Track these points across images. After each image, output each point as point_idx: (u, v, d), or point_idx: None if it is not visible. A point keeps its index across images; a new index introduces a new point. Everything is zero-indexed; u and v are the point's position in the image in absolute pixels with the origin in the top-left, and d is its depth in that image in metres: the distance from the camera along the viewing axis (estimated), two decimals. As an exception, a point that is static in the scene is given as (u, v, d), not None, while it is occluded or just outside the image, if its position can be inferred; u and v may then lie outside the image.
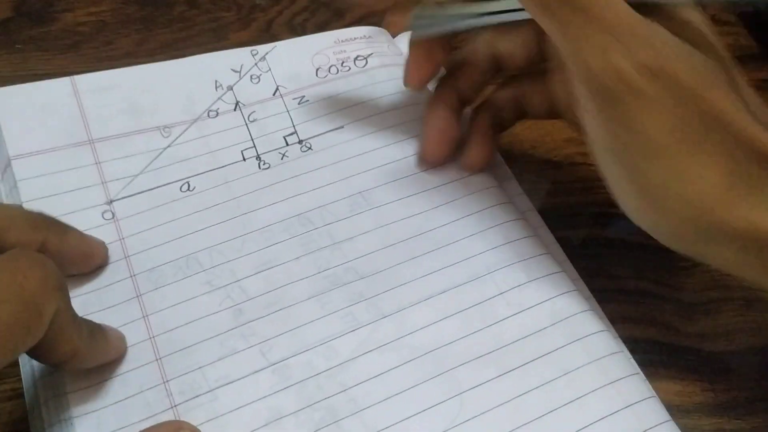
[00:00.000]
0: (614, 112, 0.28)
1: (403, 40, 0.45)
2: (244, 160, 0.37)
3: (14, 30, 0.45)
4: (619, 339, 0.34)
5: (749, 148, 0.28)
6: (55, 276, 0.25)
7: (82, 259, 0.32)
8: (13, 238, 0.28)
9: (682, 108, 0.28)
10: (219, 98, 0.39)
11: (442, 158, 0.37)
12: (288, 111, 0.39)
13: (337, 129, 0.39)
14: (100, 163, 0.36)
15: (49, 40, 0.45)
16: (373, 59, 0.42)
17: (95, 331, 0.29)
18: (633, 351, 0.35)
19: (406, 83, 0.38)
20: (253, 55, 0.41)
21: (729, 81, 0.29)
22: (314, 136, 0.39)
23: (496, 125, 0.38)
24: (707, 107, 0.28)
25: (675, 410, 0.33)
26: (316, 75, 0.41)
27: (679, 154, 0.28)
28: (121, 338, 0.30)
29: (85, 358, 0.28)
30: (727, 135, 0.28)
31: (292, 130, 0.39)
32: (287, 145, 0.38)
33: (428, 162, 0.38)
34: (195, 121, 0.38)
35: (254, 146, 0.38)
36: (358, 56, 0.42)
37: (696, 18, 0.31)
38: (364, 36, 0.43)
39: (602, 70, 0.28)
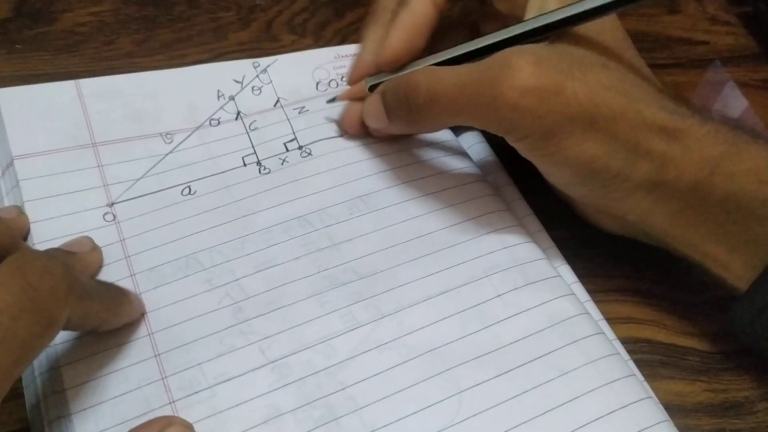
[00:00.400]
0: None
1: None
2: (245, 165, 0.38)
3: (14, 30, 0.45)
4: (617, 341, 0.34)
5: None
6: (64, 280, 0.25)
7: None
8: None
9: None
10: (221, 107, 0.40)
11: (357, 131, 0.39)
12: (288, 119, 0.40)
13: (336, 137, 0.39)
14: (102, 166, 0.36)
15: (49, 40, 0.45)
16: None
17: (119, 296, 0.30)
18: (633, 351, 0.35)
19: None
20: (254, 67, 0.41)
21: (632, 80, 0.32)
22: (314, 142, 0.39)
23: None
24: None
25: (675, 410, 0.33)
26: (317, 89, 0.41)
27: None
28: (139, 300, 0.31)
29: (111, 323, 0.29)
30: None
31: (293, 136, 0.39)
32: (287, 150, 0.38)
33: (347, 132, 0.39)
34: (197, 128, 0.39)
35: (255, 152, 0.38)
36: None
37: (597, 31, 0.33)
38: None
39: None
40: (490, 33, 0.36)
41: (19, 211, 0.33)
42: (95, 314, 0.28)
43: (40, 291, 0.24)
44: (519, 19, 0.35)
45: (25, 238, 0.33)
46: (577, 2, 0.32)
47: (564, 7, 0.32)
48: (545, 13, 0.33)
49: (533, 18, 0.33)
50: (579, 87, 0.31)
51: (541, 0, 0.33)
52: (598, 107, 0.31)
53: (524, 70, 0.30)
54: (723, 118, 0.33)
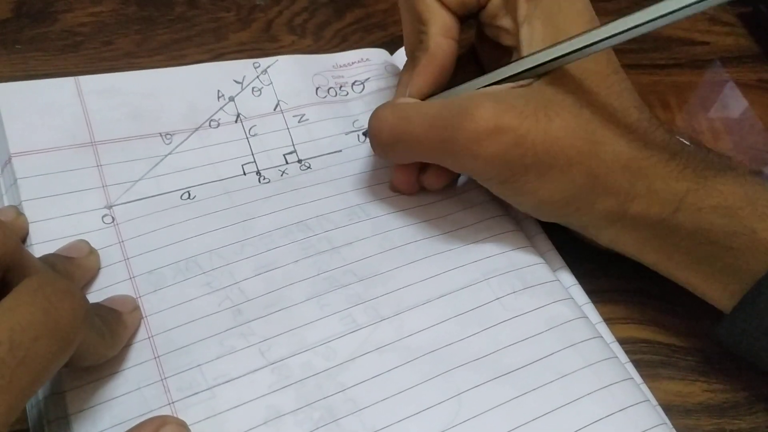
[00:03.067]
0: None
1: (401, 57, 0.45)
2: (245, 174, 0.38)
3: (14, 30, 0.45)
4: (616, 344, 0.35)
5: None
6: (82, 305, 0.25)
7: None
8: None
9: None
10: (221, 108, 0.39)
11: (409, 189, 0.38)
12: (288, 129, 0.40)
13: (335, 152, 0.40)
14: (101, 165, 0.36)
15: (49, 41, 0.45)
16: (370, 83, 0.43)
17: (113, 323, 0.29)
18: (632, 351, 0.35)
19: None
20: (255, 68, 0.41)
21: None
22: (313, 157, 0.39)
23: None
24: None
25: (675, 410, 0.33)
26: (316, 94, 0.42)
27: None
28: (135, 307, 0.31)
29: (109, 354, 0.29)
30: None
31: (292, 149, 0.39)
32: (287, 163, 0.39)
33: (398, 192, 0.38)
34: (196, 129, 0.38)
35: (254, 161, 0.38)
36: (355, 81, 0.43)
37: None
38: (362, 59, 0.44)
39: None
40: (483, 52, 0.37)
41: (17, 212, 0.33)
42: (96, 349, 0.28)
43: (60, 312, 0.24)
44: (505, 46, 0.35)
45: (24, 240, 0.33)
46: (564, 42, 0.31)
47: (551, 47, 0.32)
48: (529, 56, 0.32)
49: (516, 61, 0.33)
50: (538, 136, 0.31)
51: (528, 35, 0.33)
52: (555, 156, 0.31)
53: (485, 120, 0.31)
54: (695, 148, 0.33)
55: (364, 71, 0.43)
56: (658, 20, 0.28)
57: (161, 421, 0.27)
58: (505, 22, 0.35)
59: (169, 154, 0.37)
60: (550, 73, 0.32)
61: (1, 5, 0.46)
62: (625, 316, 0.37)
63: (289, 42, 0.48)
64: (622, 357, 0.34)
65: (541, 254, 0.37)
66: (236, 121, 0.39)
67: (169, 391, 0.29)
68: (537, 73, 0.32)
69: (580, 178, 0.32)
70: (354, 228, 0.36)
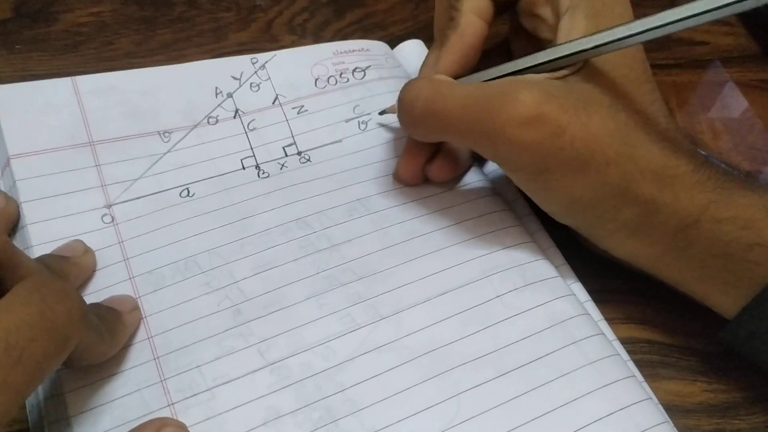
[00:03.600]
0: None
1: (401, 53, 0.45)
2: (244, 168, 0.38)
3: (14, 30, 0.45)
4: (617, 341, 0.34)
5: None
6: (78, 305, 0.25)
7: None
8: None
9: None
10: (219, 105, 0.39)
11: (414, 180, 0.37)
12: (287, 120, 0.40)
13: (335, 143, 0.39)
14: (99, 165, 0.36)
15: (49, 41, 0.45)
16: (371, 71, 0.42)
17: (112, 323, 0.29)
18: (633, 351, 0.35)
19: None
20: (252, 63, 0.41)
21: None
22: (313, 149, 0.39)
23: None
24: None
25: (675, 410, 0.33)
26: (315, 85, 0.41)
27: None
28: (134, 307, 0.31)
29: (108, 355, 0.29)
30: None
31: (291, 140, 0.39)
32: (286, 155, 0.38)
33: (402, 182, 0.38)
34: (195, 127, 0.38)
35: (253, 155, 0.38)
36: (356, 68, 0.42)
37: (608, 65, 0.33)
38: (363, 49, 0.43)
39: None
40: (516, 47, 0.37)
41: (6, 197, 0.33)
42: (95, 348, 0.28)
43: (56, 313, 0.24)
44: (541, 40, 0.35)
45: (16, 225, 0.33)
46: (603, 31, 0.31)
47: (590, 35, 0.31)
48: (567, 42, 0.32)
49: (555, 47, 0.33)
50: (578, 131, 0.31)
51: (569, 24, 0.33)
52: (594, 154, 0.31)
53: (527, 106, 0.30)
54: (717, 161, 0.33)
55: (365, 59, 0.43)
56: (697, 17, 0.28)
57: (161, 423, 0.27)
58: (545, 11, 0.34)
59: (168, 152, 0.37)
60: (586, 69, 0.32)
61: (1, 5, 0.46)
62: (625, 316, 0.37)
63: (289, 42, 0.48)
64: (624, 356, 0.34)
65: (543, 251, 0.37)
66: (235, 117, 0.39)
67: (168, 392, 0.29)
68: (572, 61, 0.32)
69: (614, 180, 0.31)
70: (354, 224, 0.36)
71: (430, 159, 0.37)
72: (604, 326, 0.35)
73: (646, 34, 0.30)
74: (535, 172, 0.32)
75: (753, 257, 0.31)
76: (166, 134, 0.38)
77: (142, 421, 0.28)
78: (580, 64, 0.33)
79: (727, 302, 0.33)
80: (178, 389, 0.29)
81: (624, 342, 0.35)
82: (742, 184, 0.32)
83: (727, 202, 0.31)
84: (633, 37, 0.30)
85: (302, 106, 0.40)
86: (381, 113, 0.40)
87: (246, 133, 0.39)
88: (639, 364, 0.34)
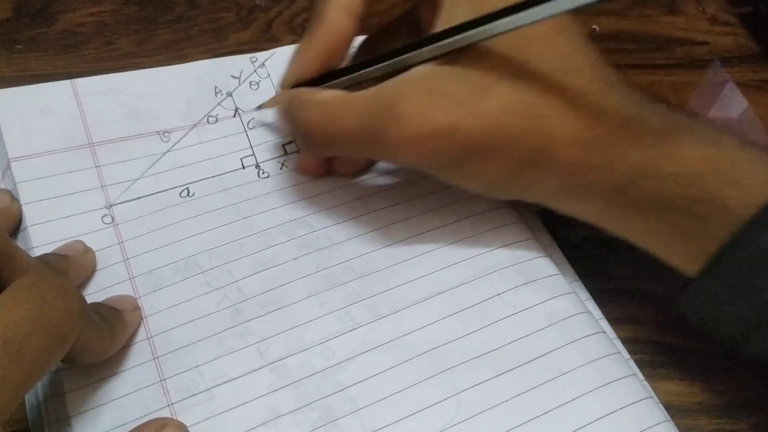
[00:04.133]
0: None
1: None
2: (244, 168, 0.38)
3: (14, 30, 0.45)
4: (617, 340, 0.34)
5: None
6: (77, 302, 0.25)
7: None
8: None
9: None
10: (218, 104, 0.39)
11: (316, 173, 0.37)
12: None
13: None
14: (99, 166, 0.36)
15: (49, 41, 0.45)
16: None
17: (113, 322, 0.29)
18: (633, 351, 0.35)
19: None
20: (252, 62, 0.41)
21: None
22: None
23: None
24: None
25: (675, 410, 0.33)
26: None
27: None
28: (135, 306, 0.31)
29: (108, 354, 0.29)
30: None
31: (291, 138, 0.39)
32: (286, 153, 0.38)
33: (305, 174, 0.37)
34: (194, 126, 0.38)
35: (253, 154, 0.38)
36: None
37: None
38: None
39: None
40: (423, 17, 0.34)
41: (11, 197, 0.33)
42: (95, 346, 0.28)
43: (54, 309, 0.24)
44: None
45: (18, 225, 0.34)
46: (490, 20, 0.29)
47: (475, 20, 0.29)
48: (453, 31, 0.30)
49: (438, 35, 0.30)
50: (473, 120, 0.30)
51: (450, 5, 0.31)
52: (495, 137, 0.30)
53: (412, 120, 0.30)
54: (656, 107, 0.31)
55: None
56: None
57: (161, 423, 0.27)
58: None
59: (168, 151, 0.37)
60: (475, 49, 0.30)
61: (1, 5, 0.46)
62: (626, 315, 0.36)
63: (289, 42, 0.47)
64: (624, 354, 0.34)
65: (543, 249, 0.36)
66: (234, 116, 0.39)
67: (168, 392, 0.29)
68: (460, 49, 0.30)
69: (526, 155, 0.30)
70: (353, 223, 0.36)
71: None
72: (605, 325, 0.35)
73: (540, 10, 0.27)
74: (442, 169, 0.32)
75: (699, 212, 0.30)
76: (166, 134, 0.38)
77: (142, 421, 0.28)
78: None
79: (679, 259, 0.31)
80: (178, 389, 0.29)
81: (624, 341, 0.35)
82: (683, 134, 0.30)
83: (666, 156, 0.30)
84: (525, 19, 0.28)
85: None
86: (258, 108, 0.39)
87: (246, 131, 0.39)
88: (639, 363, 0.34)
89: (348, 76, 0.34)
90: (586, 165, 0.30)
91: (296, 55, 0.35)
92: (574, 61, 0.30)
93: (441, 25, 0.31)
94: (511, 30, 0.28)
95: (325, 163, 0.37)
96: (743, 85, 0.48)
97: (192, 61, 0.42)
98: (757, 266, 0.29)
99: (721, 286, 0.30)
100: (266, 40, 0.47)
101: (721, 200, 0.29)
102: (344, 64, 0.35)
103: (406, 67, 0.31)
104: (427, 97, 0.30)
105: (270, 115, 0.40)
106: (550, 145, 0.30)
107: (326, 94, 0.33)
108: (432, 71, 0.31)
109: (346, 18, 0.33)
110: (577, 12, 0.27)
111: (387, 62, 0.32)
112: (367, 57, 0.34)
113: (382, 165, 0.38)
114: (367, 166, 0.38)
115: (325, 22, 0.33)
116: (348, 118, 0.32)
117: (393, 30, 0.36)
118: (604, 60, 0.31)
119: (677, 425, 0.31)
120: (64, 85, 0.38)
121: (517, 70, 0.30)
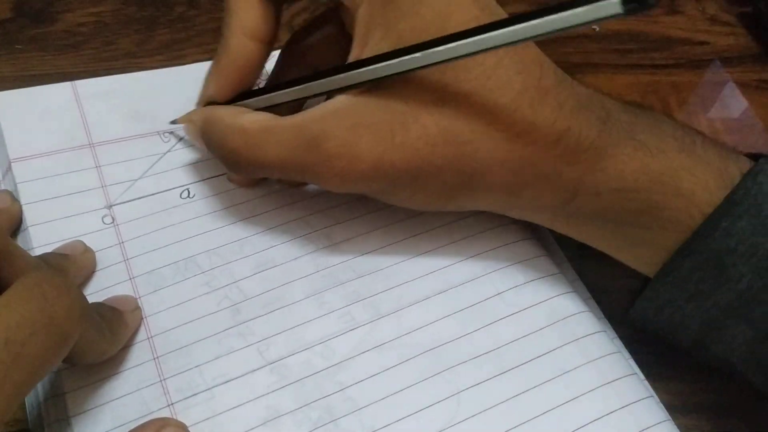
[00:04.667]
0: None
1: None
2: None
3: (14, 30, 0.45)
4: (618, 339, 0.34)
5: None
6: (79, 301, 0.25)
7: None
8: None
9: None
10: None
11: (246, 184, 0.37)
12: None
13: None
14: (100, 166, 0.36)
15: (49, 41, 0.45)
16: None
17: (114, 322, 0.29)
18: (633, 351, 0.35)
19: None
20: None
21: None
22: None
23: None
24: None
25: (675, 410, 0.33)
26: None
27: None
28: (136, 306, 0.31)
29: (109, 353, 0.29)
30: None
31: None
32: None
33: (235, 184, 0.37)
34: None
35: None
36: None
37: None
38: None
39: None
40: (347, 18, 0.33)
41: (12, 197, 0.33)
42: (96, 345, 0.28)
43: (56, 309, 0.24)
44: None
45: (19, 225, 0.34)
46: (407, 53, 0.27)
47: (395, 56, 0.28)
48: (371, 62, 0.29)
49: (355, 64, 0.29)
50: (397, 154, 0.29)
51: (364, 27, 0.30)
52: (419, 168, 0.29)
53: (337, 155, 0.29)
54: (592, 116, 0.29)
55: None
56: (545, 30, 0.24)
57: (161, 423, 0.27)
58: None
59: (168, 152, 0.37)
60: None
61: (1, 5, 0.46)
62: (625, 316, 0.36)
63: (288, 42, 0.47)
64: (625, 353, 0.34)
65: (544, 248, 0.36)
66: None
67: (168, 392, 0.29)
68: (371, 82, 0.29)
69: (454, 180, 0.30)
70: (353, 223, 0.36)
71: None
72: (605, 324, 0.35)
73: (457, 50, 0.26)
74: (374, 195, 0.32)
75: (647, 222, 0.30)
76: (166, 135, 0.38)
77: (142, 421, 0.28)
78: None
79: (634, 263, 0.32)
80: (178, 389, 0.29)
81: (624, 342, 0.35)
82: (621, 144, 0.29)
83: (604, 172, 0.29)
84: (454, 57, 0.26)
85: None
86: (172, 122, 0.38)
87: None
88: (639, 363, 0.34)
89: (263, 96, 0.33)
90: (520, 184, 0.30)
91: (208, 79, 0.34)
92: (498, 74, 0.28)
93: (357, 53, 0.30)
94: (429, 66, 0.27)
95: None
96: (743, 85, 0.48)
97: (192, 61, 0.42)
98: (707, 273, 0.29)
99: (674, 292, 0.30)
100: (266, 40, 0.47)
101: (666, 211, 0.29)
102: (261, 80, 0.34)
103: (322, 93, 0.31)
104: (351, 133, 0.29)
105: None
106: (480, 168, 0.29)
107: (247, 120, 0.31)
108: (356, 102, 0.30)
109: (250, 43, 0.32)
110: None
111: (302, 86, 0.31)
112: (284, 74, 0.34)
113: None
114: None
115: (228, 48, 0.32)
116: (273, 148, 0.30)
117: (316, 26, 0.35)
118: (538, 58, 0.29)
119: (677, 425, 0.31)
120: (65, 86, 0.38)
121: (440, 96, 0.29)
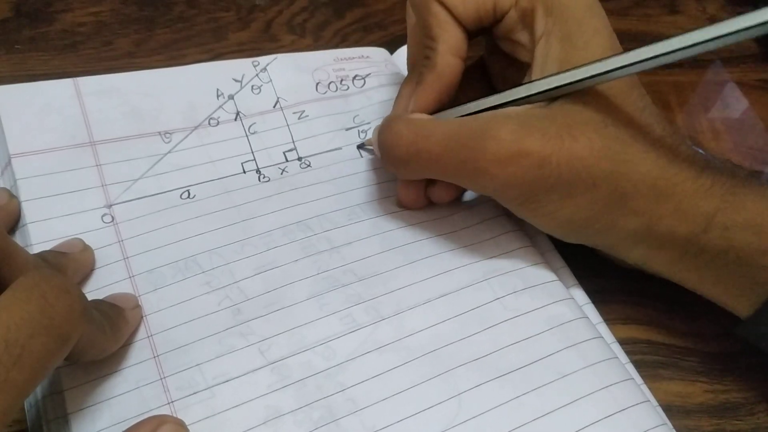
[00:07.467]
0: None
1: (401, 58, 0.45)
2: (244, 172, 0.38)
3: (14, 30, 0.45)
4: (616, 344, 0.34)
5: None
6: (79, 301, 0.25)
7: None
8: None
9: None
10: (220, 107, 0.39)
11: (417, 204, 0.37)
12: (288, 125, 0.40)
13: (335, 150, 0.39)
14: (100, 165, 0.36)
15: (49, 41, 0.45)
16: (371, 79, 0.43)
17: (114, 319, 0.29)
18: (633, 352, 0.35)
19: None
20: (254, 66, 0.41)
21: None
22: (313, 155, 0.39)
23: None
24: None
25: (675, 411, 0.33)
26: (316, 90, 0.41)
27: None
28: (136, 304, 0.31)
29: (110, 350, 0.29)
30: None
31: (292, 146, 0.39)
32: (287, 161, 0.38)
33: (404, 207, 0.37)
34: (196, 128, 0.38)
35: (254, 159, 0.38)
36: (356, 75, 0.43)
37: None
38: (363, 56, 0.44)
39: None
40: (493, 66, 0.37)
41: (10, 195, 0.33)
42: (97, 343, 0.28)
43: (57, 309, 0.23)
44: (519, 62, 0.35)
45: (17, 222, 0.33)
46: (580, 67, 0.31)
47: (566, 71, 0.31)
48: (542, 78, 0.32)
49: (531, 83, 0.32)
50: (563, 157, 0.30)
51: (544, 50, 0.33)
52: (579, 176, 0.31)
53: (507, 144, 0.30)
54: (720, 162, 0.33)
55: (366, 66, 0.43)
56: (679, 52, 0.28)
57: (159, 421, 0.27)
58: (522, 36, 0.34)
59: (169, 152, 0.37)
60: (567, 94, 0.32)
61: (0, 5, 0.46)
62: (625, 316, 0.37)
63: (288, 42, 0.48)
64: (623, 357, 0.34)
65: (542, 255, 0.37)
66: (236, 119, 0.39)
67: (168, 390, 0.29)
68: (550, 96, 0.32)
69: (605, 197, 0.31)
70: (354, 227, 0.36)
71: (431, 181, 0.36)
72: (604, 328, 0.35)
73: (622, 70, 0.29)
74: (523, 201, 0.32)
75: (766, 262, 0.31)
76: (167, 135, 0.38)
77: (140, 418, 0.27)
78: None
79: (741, 304, 0.32)
80: (178, 387, 0.29)
81: (624, 342, 0.35)
82: (750, 187, 0.31)
83: (735, 207, 0.31)
84: (612, 72, 0.30)
85: (303, 111, 0.40)
86: (359, 147, 0.40)
87: (247, 136, 0.39)
88: (639, 364, 0.34)
89: (447, 110, 0.35)
90: (660, 213, 0.32)
91: (406, 98, 0.35)
92: (646, 116, 0.32)
93: (535, 74, 0.33)
94: (596, 83, 0.31)
95: (422, 195, 0.37)
96: (743, 85, 0.48)
97: (191, 60, 0.42)
98: None
99: None
100: (266, 40, 0.47)
101: None
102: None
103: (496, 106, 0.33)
104: (521, 128, 0.31)
105: (273, 121, 0.40)
106: (631, 191, 0.31)
107: (417, 114, 0.34)
108: (523, 110, 0.32)
109: (456, 61, 0.34)
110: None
111: (483, 104, 0.34)
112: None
113: (382, 176, 0.38)
114: (459, 194, 0.38)
115: (435, 66, 0.34)
116: (438, 135, 0.32)
117: (466, 76, 0.36)
118: (668, 122, 0.33)
119: (677, 426, 0.31)
120: (66, 83, 0.38)
121: (603, 118, 0.31)
